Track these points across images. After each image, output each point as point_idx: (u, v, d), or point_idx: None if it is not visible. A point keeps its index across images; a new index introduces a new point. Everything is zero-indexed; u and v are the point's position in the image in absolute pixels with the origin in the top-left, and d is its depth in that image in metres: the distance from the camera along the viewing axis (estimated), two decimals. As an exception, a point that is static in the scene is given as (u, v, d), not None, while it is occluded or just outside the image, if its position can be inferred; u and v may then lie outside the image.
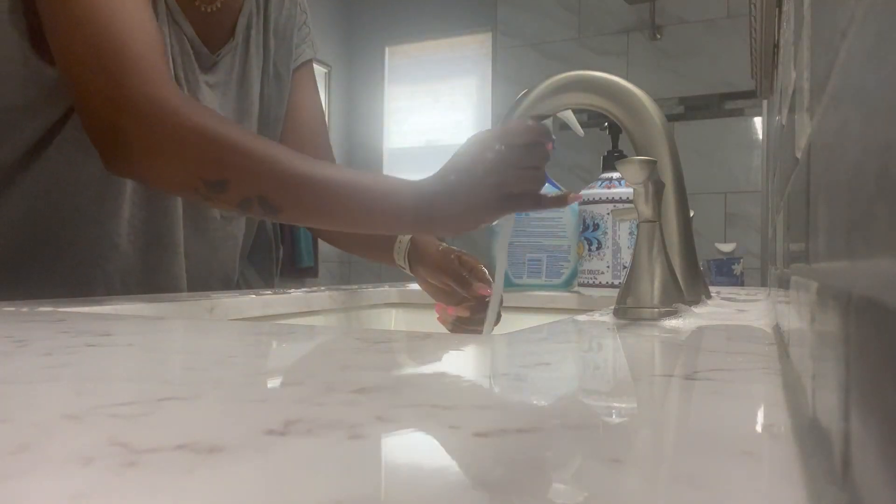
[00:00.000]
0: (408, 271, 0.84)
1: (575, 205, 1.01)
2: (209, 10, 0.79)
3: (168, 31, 0.75)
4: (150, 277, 0.80)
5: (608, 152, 1.01)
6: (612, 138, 1.02)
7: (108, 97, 0.61)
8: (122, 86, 0.60)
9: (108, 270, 0.77)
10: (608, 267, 0.94)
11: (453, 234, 0.65)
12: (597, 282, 0.95)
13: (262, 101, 0.88)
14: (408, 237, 0.83)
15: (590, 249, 0.95)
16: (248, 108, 0.86)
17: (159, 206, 0.79)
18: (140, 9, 0.64)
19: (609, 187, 0.96)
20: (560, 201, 0.65)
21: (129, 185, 0.77)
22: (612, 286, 0.92)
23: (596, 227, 0.95)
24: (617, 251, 0.94)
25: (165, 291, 0.81)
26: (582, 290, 0.96)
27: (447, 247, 0.82)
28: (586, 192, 0.97)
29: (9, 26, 0.67)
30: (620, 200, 0.94)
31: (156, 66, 0.62)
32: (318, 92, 0.97)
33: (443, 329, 0.99)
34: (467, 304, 0.82)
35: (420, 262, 0.83)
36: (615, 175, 0.96)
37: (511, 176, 0.62)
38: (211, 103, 0.81)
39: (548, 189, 1.01)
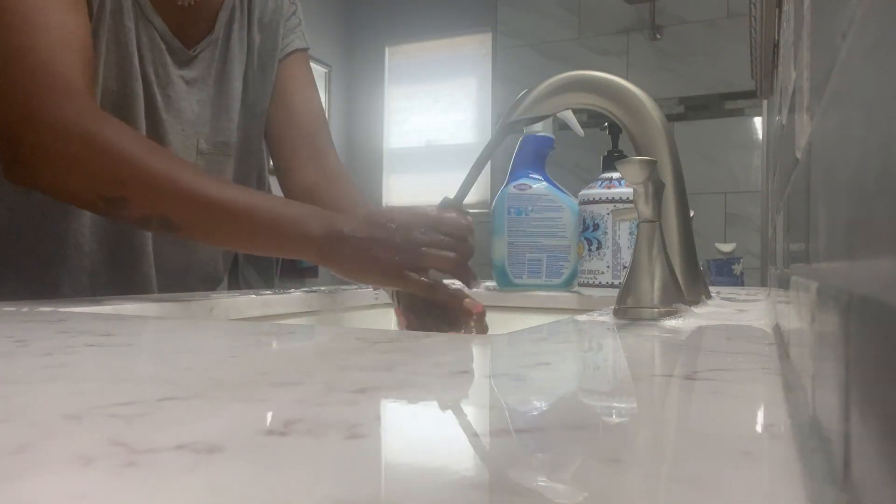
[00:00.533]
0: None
1: (575, 205, 1.01)
2: (186, 4, 0.78)
3: (136, 26, 0.74)
4: (118, 277, 0.79)
5: (608, 152, 1.01)
6: (612, 138, 1.02)
7: (14, 107, 0.61)
8: (29, 97, 0.60)
9: (73, 270, 0.77)
10: (608, 267, 0.94)
11: (350, 280, 0.66)
12: (597, 282, 0.95)
13: (246, 96, 0.88)
14: None
15: (590, 249, 0.95)
16: (228, 104, 0.85)
17: None
18: (66, 19, 0.63)
19: (609, 187, 0.95)
20: (456, 301, 0.66)
21: None
22: (612, 286, 0.92)
23: (596, 227, 0.95)
24: (617, 251, 0.94)
25: (137, 291, 0.81)
26: (582, 290, 0.96)
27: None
28: (586, 192, 0.97)
29: None
30: (620, 200, 0.94)
31: (69, 80, 0.62)
32: (313, 84, 0.96)
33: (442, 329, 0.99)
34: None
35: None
36: (615, 175, 0.96)
37: (418, 257, 0.63)
38: (188, 99, 0.81)
39: (548, 189, 1.01)
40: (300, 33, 0.93)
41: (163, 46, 0.77)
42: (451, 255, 0.64)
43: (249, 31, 0.87)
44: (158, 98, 0.78)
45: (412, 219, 0.64)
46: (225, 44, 0.84)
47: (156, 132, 0.78)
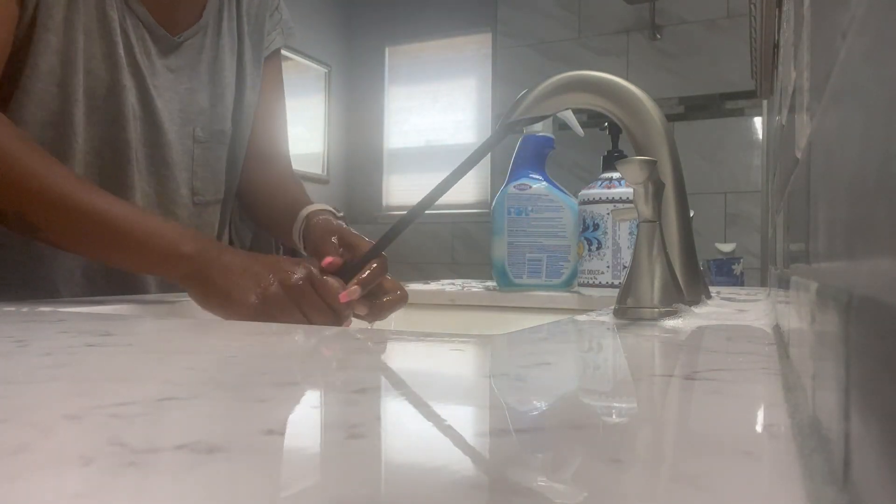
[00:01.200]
0: (302, 250, 0.80)
1: (575, 205, 1.01)
2: None
3: (120, 16, 0.74)
4: (114, 272, 0.79)
5: (608, 152, 1.01)
6: (611, 138, 1.02)
7: None
8: None
9: (67, 265, 0.76)
10: (608, 267, 0.94)
11: (205, 306, 0.63)
12: (597, 282, 0.95)
13: (239, 86, 0.88)
14: (304, 215, 0.78)
15: (590, 249, 0.95)
16: (222, 93, 0.85)
17: (117, 197, 0.78)
18: None
19: (609, 187, 0.95)
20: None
21: (80, 173, 0.76)
22: (612, 286, 0.92)
23: (596, 227, 0.95)
24: (617, 251, 0.94)
25: (133, 286, 0.81)
26: (582, 290, 0.96)
27: (338, 225, 0.74)
28: (586, 192, 0.97)
29: None
30: (620, 200, 0.94)
31: None
32: (281, 86, 0.96)
33: (441, 329, 0.99)
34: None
35: (307, 238, 0.79)
36: (615, 175, 0.96)
37: (289, 302, 0.59)
38: (173, 87, 0.80)
39: (548, 189, 1.01)
40: (281, 29, 0.93)
41: (147, 36, 0.77)
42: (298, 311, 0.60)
43: (239, 21, 0.87)
44: (150, 87, 0.78)
45: (277, 268, 0.60)
46: (215, 32, 0.84)
47: (152, 121, 0.78)
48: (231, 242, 0.98)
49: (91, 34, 0.72)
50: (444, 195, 0.70)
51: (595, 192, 0.96)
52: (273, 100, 0.94)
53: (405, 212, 0.68)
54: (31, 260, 0.76)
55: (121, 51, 0.74)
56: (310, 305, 0.60)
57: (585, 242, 0.96)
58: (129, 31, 0.75)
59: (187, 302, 0.68)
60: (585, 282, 0.96)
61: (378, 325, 1.01)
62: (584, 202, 0.96)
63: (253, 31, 0.89)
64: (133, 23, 0.76)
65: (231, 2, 0.86)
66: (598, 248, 0.95)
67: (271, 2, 0.92)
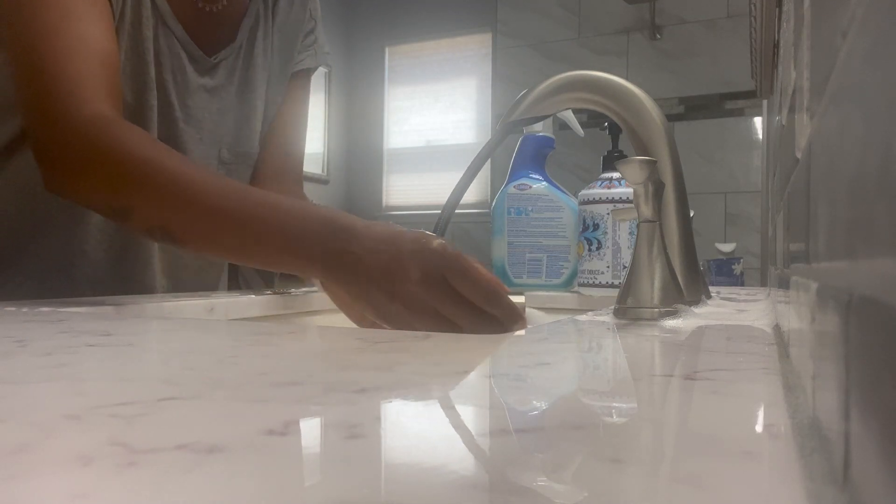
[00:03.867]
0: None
1: (575, 205, 1.01)
2: (213, 9, 0.78)
3: (155, 34, 0.74)
4: (121, 287, 0.79)
5: (608, 152, 1.01)
6: (611, 138, 1.02)
7: (33, 113, 0.62)
8: (40, 101, 0.61)
9: (75, 277, 0.76)
10: (608, 267, 0.94)
11: (345, 308, 0.59)
12: (597, 282, 0.95)
13: (267, 106, 0.88)
14: None
15: (590, 249, 0.96)
16: (251, 114, 0.85)
17: None
18: (90, 26, 0.63)
19: (609, 187, 0.96)
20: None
21: None
22: (612, 286, 0.92)
23: (596, 227, 0.95)
24: (617, 251, 0.94)
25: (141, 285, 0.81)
26: (582, 290, 0.96)
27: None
28: (586, 192, 0.97)
29: None
30: (620, 200, 0.94)
31: (78, 83, 0.61)
32: (306, 105, 0.95)
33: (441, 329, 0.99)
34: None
35: None
36: (615, 175, 0.96)
37: (443, 305, 0.51)
38: (208, 108, 0.80)
39: (548, 189, 1.01)
40: (314, 51, 0.93)
41: (182, 54, 0.77)
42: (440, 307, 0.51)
43: (272, 39, 0.87)
44: (176, 107, 0.77)
45: (438, 257, 0.52)
46: (248, 51, 0.84)
47: (173, 142, 0.77)
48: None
49: (126, 53, 0.72)
50: (443, 196, 0.70)
51: (595, 192, 0.96)
52: (292, 114, 0.92)
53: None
54: (42, 269, 0.76)
55: (151, 71, 0.74)
56: (460, 311, 0.51)
57: (585, 242, 0.96)
58: (163, 50, 0.75)
59: (188, 302, 0.68)
60: (585, 282, 0.96)
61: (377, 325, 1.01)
62: (584, 202, 0.97)
63: (282, 48, 0.89)
64: (168, 42, 0.75)
65: (266, 20, 0.85)
66: (598, 248, 0.95)
67: (307, 23, 0.91)
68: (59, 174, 0.62)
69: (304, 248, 0.56)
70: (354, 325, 0.95)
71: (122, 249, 0.79)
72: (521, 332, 0.51)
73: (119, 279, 0.79)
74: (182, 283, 0.85)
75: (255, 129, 0.86)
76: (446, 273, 0.51)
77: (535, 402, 0.25)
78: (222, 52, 0.81)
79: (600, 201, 0.95)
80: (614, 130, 1.01)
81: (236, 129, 0.84)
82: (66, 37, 0.62)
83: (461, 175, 0.72)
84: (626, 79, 0.71)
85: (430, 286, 0.51)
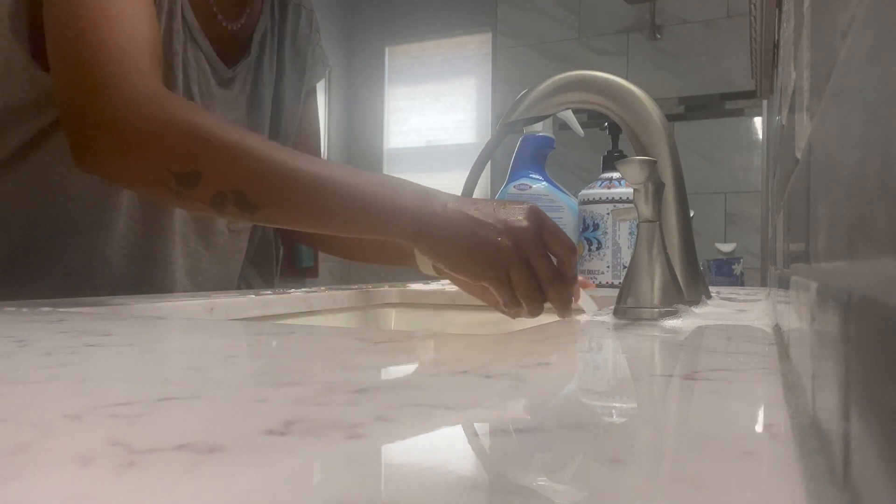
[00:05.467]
0: (428, 272, 0.71)
1: (575, 205, 1.01)
2: (233, 27, 0.80)
3: (184, 48, 0.75)
4: (141, 292, 0.79)
5: (608, 152, 1.01)
6: (611, 138, 1.03)
7: (79, 89, 0.59)
8: (92, 75, 0.58)
9: (96, 282, 0.77)
10: (608, 267, 0.95)
11: (441, 264, 0.58)
12: (597, 282, 0.95)
13: (274, 117, 0.89)
14: None
15: (590, 249, 0.96)
16: (260, 124, 0.87)
17: (157, 223, 0.79)
18: (137, 17, 0.62)
19: (609, 187, 0.96)
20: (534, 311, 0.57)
21: (125, 199, 0.76)
22: (612, 286, 0.92)
23: (596, 227, 0.95)
24: (617, 251, 0.94)
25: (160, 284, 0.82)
26: (582, 290, 0.97)
27: None
28: (586, 192, 0.98)
29: (9, 34, 0.68)
30: (620, 200, 0.94)
31: (134, 61, 0.59)
32: (317, 119, 0.99)
33: (441, 329, 0.99)
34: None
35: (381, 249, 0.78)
36: (615, 175, 0.96)
37: (531, 259, 0.55)
38: (225, 118, 0.81)
39: (548, 189, 1.01)
40: (322, 63, 0.96)
41: (207, 68, 0.78)
42: (563, 287, 0.56)
43: (280, 53, 0.89)
44: None
45: (529, 215, 0.56)
46: (258, 65, 0.86)
47: None
48: (256, 255, 0.99)
49: None
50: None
51: (595, 192, 0.96)
52: (314, 130, 0.96)
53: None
54: (62, 274, 0.76)
55: (179, 83, 0.75)
56: (541, 266, 0.55)
57: (585, 242, 0.96)
58: (191, 63, 0.76)
59: (188, 302, 0.68)
60: None
61: (378, 325, 1.01)
62: (583, 202, 0.97)
63: (295, 62, 0.91)
64: (195, 55, 0.76)
65: (273, 35, 0.87)
66: (598, 248, 0.95)
67: (314, 36, 0.94)
68: (108, 145, 0.58)
69: (389, 208, 0.56)
70: (355, 325, 0.95)
71: (144, 256, 0.79)
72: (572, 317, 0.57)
73: (139, 285, 0.79)
74: (201, 289, 0.86)
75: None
76: (542, 229, 0.56)
77: (535, 402, 0.25)
78: (239, 65, 0.83)
79: (600, 201, 0.95)
80: (614, 130, 1.01)
81: None
82: (109, 16, 0.60)
83: (461, 175, 0.72)
84: (626, 79, 0.71)
85: (522, 231, 0.55)
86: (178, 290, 0.83)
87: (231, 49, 0.81)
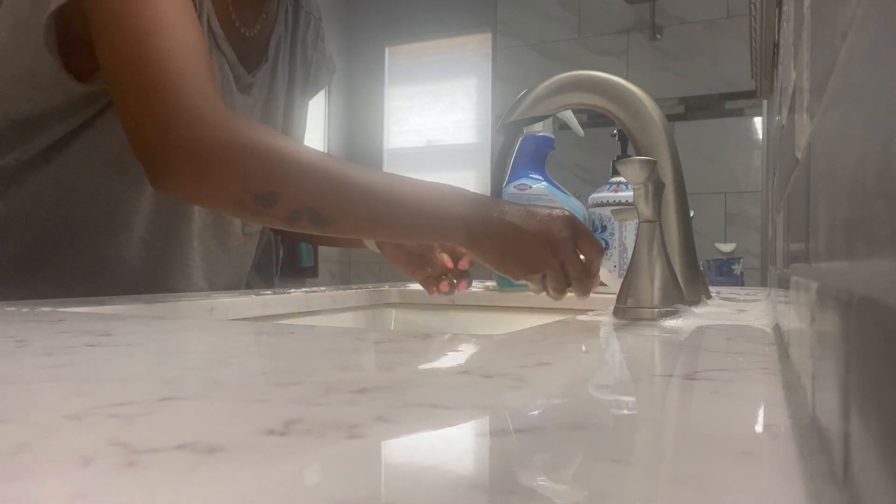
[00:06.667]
0: (374, 249, 0.83)
1: (575, 205, 1.01)
2: (249, 34, 0.80)
3: (211, 55, 0.75)
4: (156, 293, 0.80)
5: (617, 157, 1.02)
6: (621, 144, 1.04)
7: (151, 114, 0.60)
8: (164, 102, 0.59)
9: (112, 283, 0.77)
10: (615, 266, 0.97)
11: (490, 264, 0.65)
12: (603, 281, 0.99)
13: (284, 123, 0.90)
14: None
15: (598, 250, 1.00)
16: (273, 128, 0.88)
17: (175, 226, 0.80)
18: (188, 30, 0.63)
19: (616, 191, 0.99)
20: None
21: (145, 201, 0.77)
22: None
23: (604, 228, 0.98)
24: (623, 251, 0.96)
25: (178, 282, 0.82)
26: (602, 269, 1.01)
27: None
28: (595, 196, 1.00)
29: (43, 44, 0.68)
30: (627, 204, 0.96)
31: (200, 83, 0.61)
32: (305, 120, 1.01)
33: (441, 329, 0.99)
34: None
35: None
36: (623, 179, 0.98)
37: (566, 262, 0.64)
38: None
39: (548, 189, 1.01)
40: (327, 68, 0.97)
41: (230, 74, 0.79)
42: (588, 280, 0.65)
43: (292, 60, 0.90)
44: None
45: (568, 225, 0.64)
46: (273, 70, 0.87)
47: None
48: (263, 255, 1.00)
49: None
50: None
51: (603, 195, 0.99)
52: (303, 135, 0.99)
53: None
54: (80, 274, 0.76)
55: None
56: (572, 268, 0.64)
57: None
58: (215, 70, 0.76)
59: (188, 302, 0.68)
60: None
61: (377, 325, 1.01)
62: (592, 205, 1.00)
63: (304, 69, 0.92)
64: (219, 61, 0.77)
65: (286, 42, 0.88)
66: (605, 249, 0.98)
67: (319, 44, 0.95)
68: (173, 172, 0.60)
69: (443, 215, 0.62)
70: (354, 325, 0.95)
71: (163, 259, 0.80)
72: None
73: (155, 287, 0.80)
74: (216, 290, 0.87)
75: None
76: (578, 236, 0.64)
77: (535, 402, 0.25)
78: (257, 70, 0.83)
79: (607, 204, 0.98)
80: (623, 137, 1.03)
81: None
82: (168, 38, 0.61)
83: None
84: (626, 79, 0.71)
85: (561, 241, 0.63)
86: (195, 289, 0.83)
87: (249, 55, 0.82)
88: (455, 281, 0.81)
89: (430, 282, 0.80)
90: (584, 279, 0.65)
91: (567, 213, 0.65)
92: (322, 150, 0.66)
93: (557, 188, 1.03)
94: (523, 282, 0.68)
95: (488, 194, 0.73)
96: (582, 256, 0.65)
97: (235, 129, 0.59)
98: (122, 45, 0.61)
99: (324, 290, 0.91)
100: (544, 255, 0.63)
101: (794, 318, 0.31)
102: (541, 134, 1.04)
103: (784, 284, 0.45)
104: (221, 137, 0.59)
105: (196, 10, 0.69)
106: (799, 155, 0.32)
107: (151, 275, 0.79)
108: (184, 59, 0.61)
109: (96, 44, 0.63)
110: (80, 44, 0.66)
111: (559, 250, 0.63)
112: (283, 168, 0.59)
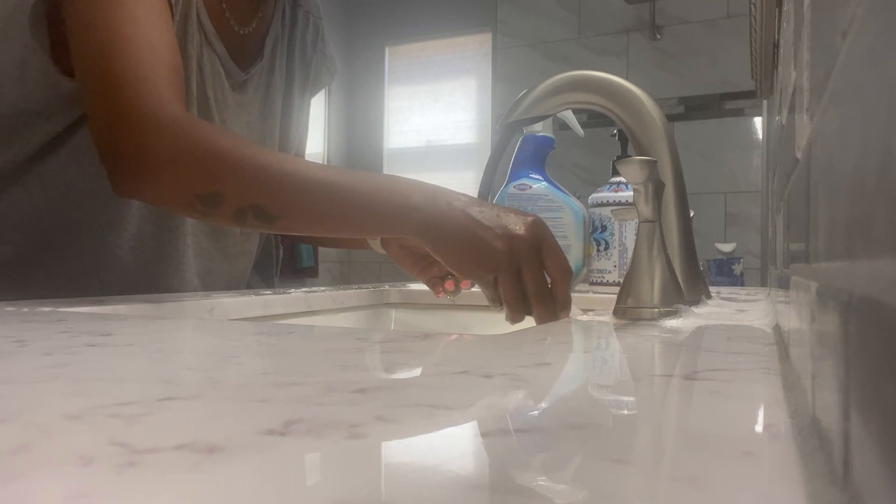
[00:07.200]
0: (379, 249, 0.80)
1: (575, 205, 1.01)
2: (244, 31, 0.80)
3: (199, 52, 0.75)
4: (150, 292, 0.80)
5: (617, 157, 1.02)
6: (621, 145, 1.04)
7: (108, 118, 0.61)
8: (118, 104, 0.60)
9: (106, 281, 0.77)
10: (615, 266, 0.98)
11: (445, 261, 0.60)
12: (604, 280, 1.00)
13: (283, 122, 0.90)
14: None
15: (598, 250, 1.00)
16: (271, 130, 0.88)
17: (169, 224, 0.80)
18: (154, 33, 0.63)
19: (616, 191, 0.99)
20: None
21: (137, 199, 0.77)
22: (619, 284, 0.94)
23: (604, 228, 0.99)
24: (623, 251, 0.97)
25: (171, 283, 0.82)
26: (593, 288, 1.01)
27: None
28: (596, 196, 1.00)
29: (31, 37, 0.68)
30: (628, 204, 0.96)
31: (156, 87, 0.61)
32: (308, 118, 1.01)
33: (441, 329, 0.99)
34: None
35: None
36: (623, 179, 0.98)
37: (524, 266, 0.58)
38: (238, 122, 0.82)
39: (548, 189, 1.01)
40: (327, 68, 0.97)
41: (222, 71, 0.79)
42: (550, 303, 0.59)
43: (289, 59, 0.90)
44: (216, 121, 0.79)
45: (531, 228, 0.58)
46: (270, 68, 0.87)
47: None
48: (262, 254, 1.00)
49: None
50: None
51: (603, 195, 1.00)
52: (305, 136, 0.99)
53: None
54: (74, 271, 0.76)
55: (193, 86, 0.75)
56: (530, 279, 0.58)
57: (595, 243, 1.00)
58: (206, 67, 0.77)
59: (188, 302, 0.68)
60: (595, 280, 1.01)
61: (377, 325, 1.01)
62: (593, 205, 1.00)
63: (302, 69, 0.92)
64: (210, 58, 0.77)
65: (283, 40, 0.89)
66: (605, 249, 0.99)
67: (320, 44, 0.95)
68: (136, 173, 0.61)
69: (397, 205, 0.59)
70: (355, 325, 0.95)
71: (156, 256, 0.80)
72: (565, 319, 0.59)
73: (149, 285, 0.80)
74: (211, 289, 0.87)
75: (275, 142, 0.89)
76: (542, 245, 0.58)
77: (535, 402, 0.25)
78: (252, 69, 0.83)
79: (607, 204, 0.99)
80: (623, 137, 1.03)
81: (259, 142, 0.86)
82: (141, 44, 0.62)
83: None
84: (626, 79, 0.71)
85: (519, 240, 0.57)
86: (189, 290, 0.83)
87: (243, 53, 0.82)
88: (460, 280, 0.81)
89: (436, 282, 0.78)
90: (545, 299, 0.58)
91: (539, 219, 0.60)
92: (268, 147, 0.64)
93: (557, 188, 1.03)
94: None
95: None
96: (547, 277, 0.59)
97: (182, 132, 0.59)
98: (85, 48, 0.63)
99: (324, 290, 0.91)
100: (497, 252, 0.57)
101: (794, 318, 0.31)
102: (541, 134, 1.04)
103: (784, 284, 0.45)
104: (167, 142, 0.59)
105: (173, 9, 0.69)
106: (799, 155, 0.32)
107: (145, 272, 0.79)
108: (143, 64, 0.61)
109: (69, 45, 0.64)
110: (67, 43, 0.66)
111: (516, 252, 0.57)
112: (225, 168, 0.59)
